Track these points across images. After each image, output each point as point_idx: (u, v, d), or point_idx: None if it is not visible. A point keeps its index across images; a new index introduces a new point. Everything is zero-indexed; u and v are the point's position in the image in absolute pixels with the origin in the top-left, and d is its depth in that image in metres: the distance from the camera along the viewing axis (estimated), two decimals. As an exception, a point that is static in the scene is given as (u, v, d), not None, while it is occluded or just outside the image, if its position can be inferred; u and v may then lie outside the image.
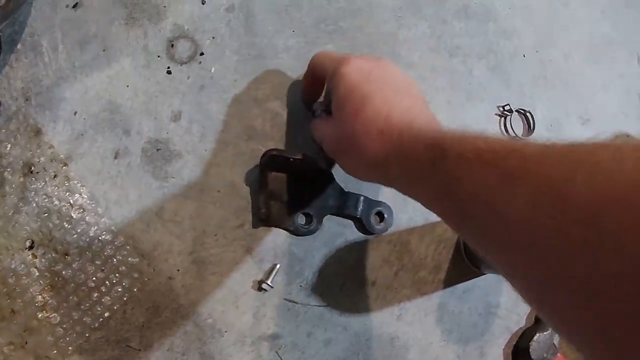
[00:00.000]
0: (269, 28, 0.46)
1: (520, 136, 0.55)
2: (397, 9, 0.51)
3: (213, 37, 0.45)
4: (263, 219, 0.43)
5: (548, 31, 0.58)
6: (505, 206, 0.22)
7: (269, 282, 0.43)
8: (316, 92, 0.43)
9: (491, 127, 0.54)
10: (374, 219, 0.47)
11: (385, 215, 0.47)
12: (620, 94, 0.61)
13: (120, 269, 0.40)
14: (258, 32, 0.46)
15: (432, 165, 0.28)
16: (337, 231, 0.47)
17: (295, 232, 0.44)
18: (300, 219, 0.44)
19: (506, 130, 0.54)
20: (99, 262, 0.40)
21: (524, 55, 0.56)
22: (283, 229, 0.44)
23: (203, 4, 0.45)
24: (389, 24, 0.51)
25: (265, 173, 0.43)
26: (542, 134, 0.56)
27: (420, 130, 0.31)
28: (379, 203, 0.47)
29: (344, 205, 0.45)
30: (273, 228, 0.44)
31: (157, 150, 0.42)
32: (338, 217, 0.46)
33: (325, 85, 0.41)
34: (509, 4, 0.56)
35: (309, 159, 0.43)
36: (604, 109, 0.59)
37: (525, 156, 0.23)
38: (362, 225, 0.47)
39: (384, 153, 0.32)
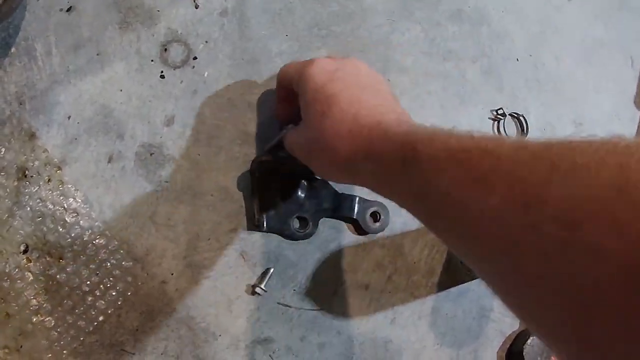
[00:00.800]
0: (262, 32, 0.50)
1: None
2: (390, 13, 0.55)
3: (206, 42, 0.48)
4: (258, 225, 0.46)
5: (541, 35, 0.62)
6: (478, 207, 0.24)
7: (262, 286, 0.47)
8: (289, 110, 0.44)
9: (485, 131, 0.58)
10: (370, 218, 0.50)
11: (382, 215, 0.51)
12: (613, 97, 0.66)
13: (114, 272, 0.43)
14: (251, 36, 0.49)
15: (403, 164, 0.29)
16: (331, 235, 0.50)
17: (292, 236, 0.48)
18: (296, 224, 0.48)
19: (499, 135, 0.58)
20: (93, 266, 0.43)
21: (517, 59, 0.60)
22: (279, 234, 0.47)
23: (196, 8, 0.48)
24: (382, 28, 0.54)
25: (256, 178, 0.46)
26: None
27: (389, 128, 0.32)
28: (375, 203, 0.51)
29: (339, 207, 0.49)
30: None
31: (151, 154, 0.45)
32: (331, 222, 0.50)
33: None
34: (502, 7, 0.60)
35: (299, 163, 0.47)
36: (598, 112, 0.64)
37: (500, 157, 0.24)
38: (358, 226, 0.50)
39: (353, 152, 0.33)
